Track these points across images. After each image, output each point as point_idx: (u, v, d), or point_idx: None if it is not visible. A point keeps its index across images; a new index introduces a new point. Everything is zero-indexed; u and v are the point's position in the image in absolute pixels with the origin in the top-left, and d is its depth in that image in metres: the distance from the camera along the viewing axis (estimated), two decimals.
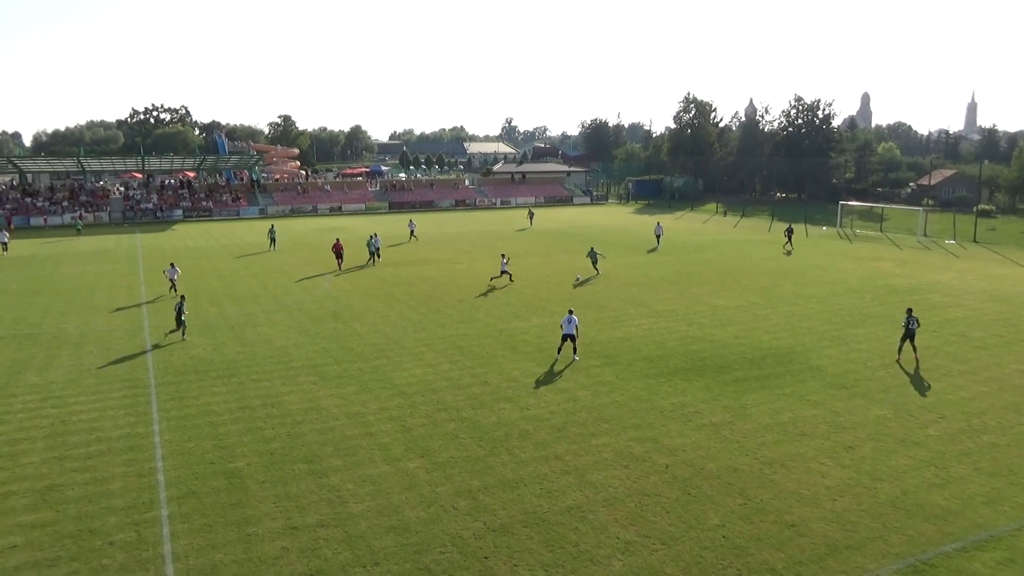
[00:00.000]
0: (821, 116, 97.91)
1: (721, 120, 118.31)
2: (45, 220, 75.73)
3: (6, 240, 53.08)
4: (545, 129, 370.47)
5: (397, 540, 13.28)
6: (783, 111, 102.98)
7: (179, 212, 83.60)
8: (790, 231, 53.46)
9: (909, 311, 23.91)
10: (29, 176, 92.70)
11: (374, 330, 28.68)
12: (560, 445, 17.44)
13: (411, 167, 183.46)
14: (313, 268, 44.34)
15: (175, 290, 35.14)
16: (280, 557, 12.78)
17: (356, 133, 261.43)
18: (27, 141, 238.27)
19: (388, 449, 17.30)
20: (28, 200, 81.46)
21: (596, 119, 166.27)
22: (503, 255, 39.84)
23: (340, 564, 12.55)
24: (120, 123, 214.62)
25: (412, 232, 58.41)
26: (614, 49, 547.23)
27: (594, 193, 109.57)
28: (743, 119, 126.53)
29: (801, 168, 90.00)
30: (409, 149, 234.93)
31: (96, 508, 14.56)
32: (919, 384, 21.68)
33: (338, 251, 43.43)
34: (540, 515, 14.14)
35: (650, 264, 44.91)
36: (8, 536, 13.54)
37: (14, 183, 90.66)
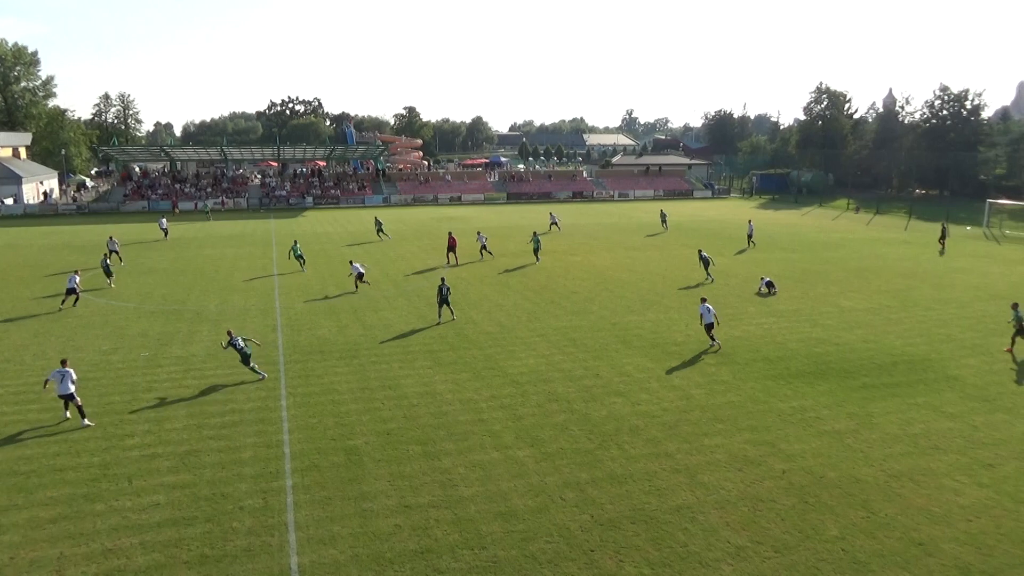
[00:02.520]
0: (969, 107, 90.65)
1: (856, 111, 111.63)
2: (195, 205, 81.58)
3: (166, 227, 57.33)
4: (666, 120, 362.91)
5: (505, 526, 13.50)
6: (926, 102, 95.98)
7: (309, 199, 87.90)
8: (944, 231, 49.80)
9: (1015, 305, 24.13)
10: (178, 164, 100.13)
11: (489, 318, 29.16)
12: (671, 443, 17.15)
13: (530, 158, 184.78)
14: (432, 256, 45.54)
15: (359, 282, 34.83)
16: (393, 533, 13.28)
17: (477, 124, 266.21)
18: (177, 131, 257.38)
19: (499, 436, 17.59)
20: (177, 186, 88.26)
21: (720, 110, 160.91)
22: (479, 232, 46.19)
23: (449, 545, 12.90)
24: (259, 114, 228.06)
25: (554, 222, 58.46)
26: (741, 38, 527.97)
27: (716, 187, 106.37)
28: (880, 110, 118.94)
29: (944, 163, 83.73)
30: (528, 140, 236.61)
31: (228, 474, 15.65)
32: None
33: (452, 245, 43.61)
34: (648, 512, 13.97)
35: (773, 261, 43.17)
36: (153, 494, 14.78)
37: (165, 170, 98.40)
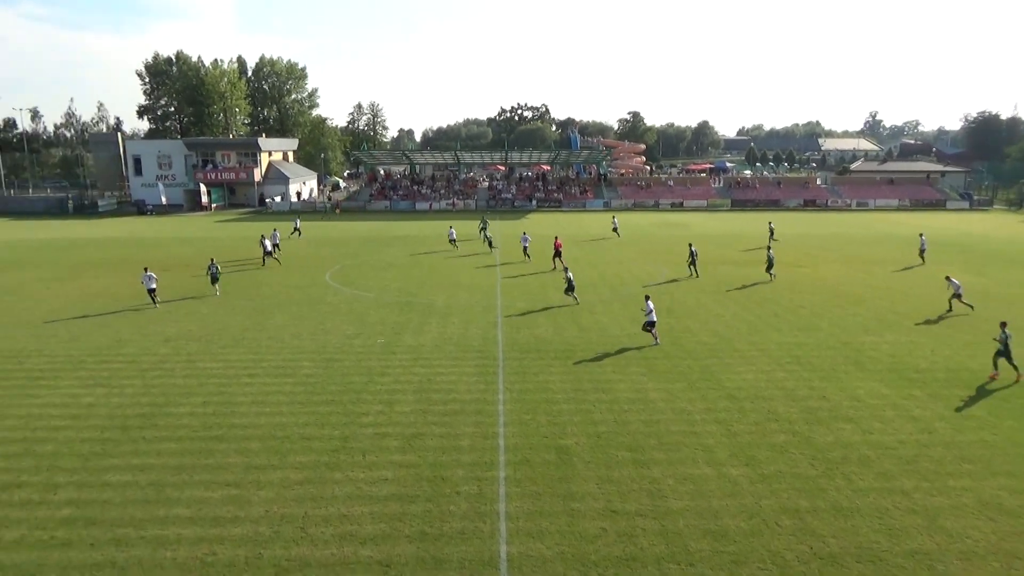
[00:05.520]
0: None
1: None
2: (430, 205, 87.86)
3: (298, 224, 62.04)
4: (916, 124, 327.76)
5: (714, 545, 13.03)
6: None
7: (533, 202, 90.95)
8: None
9: (1003, 325, 21.74)
10: (417, 167, 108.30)
11: (706, 328, 28.30)
12: (908, 479, 15.51)
13: (757, 164, 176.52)
14: (651, 261, 45.10)
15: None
16: (599, 536, 13.34)
17: (703, 129, 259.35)
18: (417, 136, 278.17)
19: (712, 451, 17.01)
20: (415, 187, 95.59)
21: (984, 112, 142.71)
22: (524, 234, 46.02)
23: (655, 556, 12.71)
24: (490, 120, 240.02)
25: (772, 233, 55.66)
26: (1011, 27, 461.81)
27: (974, 197, 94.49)
28: None
29: None
30: (757, 145, 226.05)
31: (448, 459, 16.65)
32: None
33: (557, 249, 42.82)
34: (877, 552, 12.76)
35: None
36: (382, 470, 16.14)
37: (405, 172, 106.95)
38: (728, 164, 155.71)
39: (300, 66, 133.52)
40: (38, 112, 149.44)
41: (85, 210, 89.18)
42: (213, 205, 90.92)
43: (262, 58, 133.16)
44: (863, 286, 36.83)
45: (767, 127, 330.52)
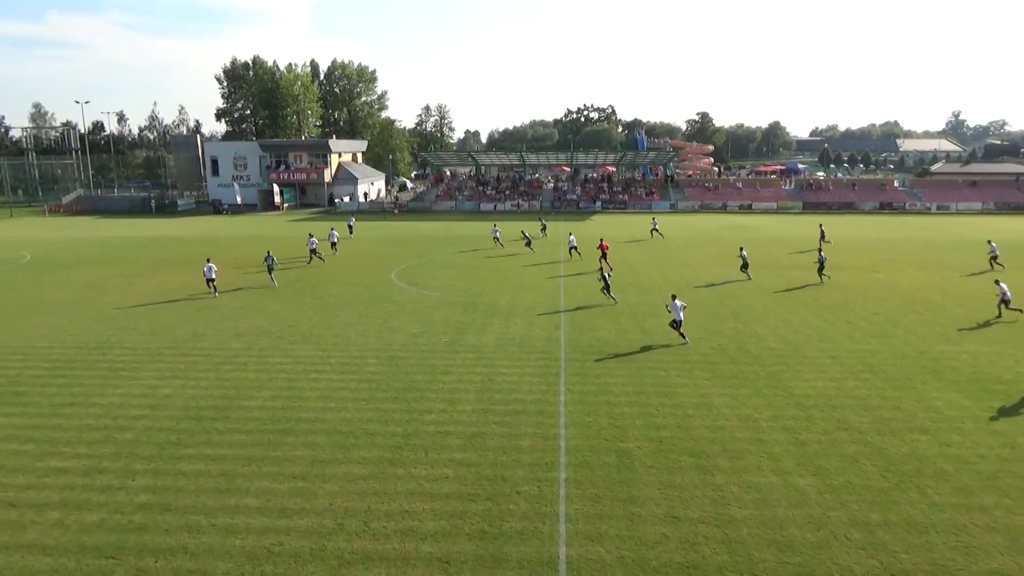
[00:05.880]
0: None
1: None
2: (494, 206, 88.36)
3: (352, 223, 63.08)
4: (1003, 124, 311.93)
5: (779, 556, 12.70)
6: None
7: (598, 204, 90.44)
8: None
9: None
10: (482, 168, 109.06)
11: (774, 334, 27.62)
12: (988, 496, 14.80)
13: (831, 165, 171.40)
14: (717, 264, 44.29)
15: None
16: (660, 543, 13.18)
17: (774, 129, 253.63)
18: (483, 138, 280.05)
19: (778, 460, 16.59)
20: (480, 188, 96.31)
21: None
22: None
23: (717, 565, 12.48)
24: (556, 122, 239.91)
25: (823, 235, 53.94)
26: None
27: None
28: None
29: None
30: (831, 146, 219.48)
31: (508, 459, 16.72)
32: None
33: (603, 251, 42.71)
34: (952, 571, 12.22)
35: None
36: (443, 467, 16.32)
37: (471, 173, 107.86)
38: (800, 165, 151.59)
39: (370, 69, 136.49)
40: (124, 115, 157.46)
41: (166, 209, 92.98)
42: (285, 205, 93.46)
43: (334, 62, 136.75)
44: (942, 293, 35.33)
45: (842, 127, 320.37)
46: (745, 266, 39.61)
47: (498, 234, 53.71)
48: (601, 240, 44.77)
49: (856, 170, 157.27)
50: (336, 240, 50.60)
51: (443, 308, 32.57)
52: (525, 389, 21.48)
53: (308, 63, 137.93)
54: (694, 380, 22.22)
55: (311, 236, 47.54)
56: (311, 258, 45.73)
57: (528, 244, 51.17)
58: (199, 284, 38.08)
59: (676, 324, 26.13)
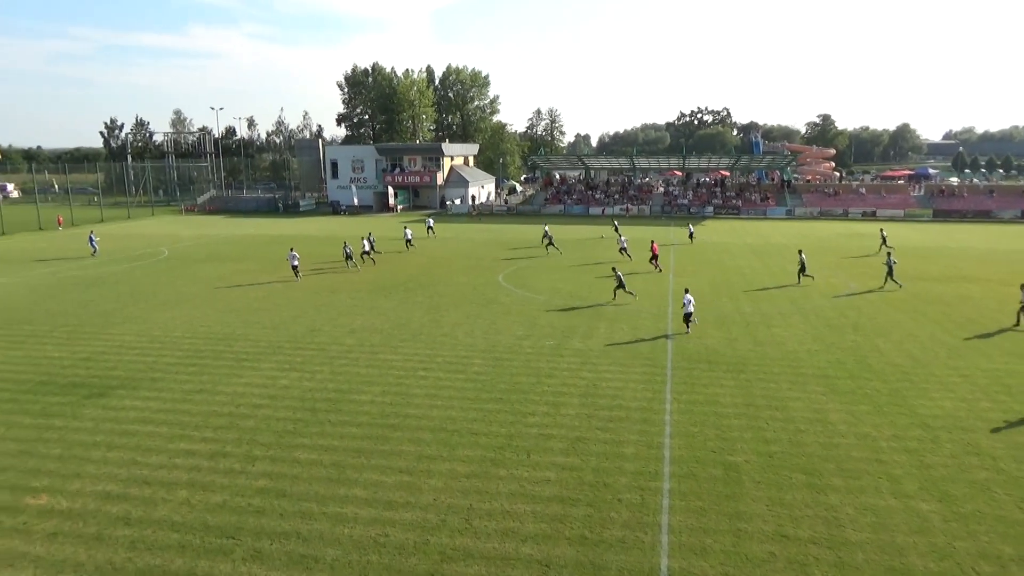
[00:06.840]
0: None
1: None
2: (603, 210, 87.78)
3: (431, 223, 64.54)
4: None
5: None
6: None
7: (710, 209, 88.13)
8: None
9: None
10: (592, 172, 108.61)
11: (898, 349, 26.05)
12: None
13: (966, 170, 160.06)
14: (835, 273, 42.20)
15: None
16: (767, 561, 12.71)
17: (902, 132, 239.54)
18: (594, 142, 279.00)
19: (899, 482, 15.64)
20: (589, 192, 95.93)
21: None
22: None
23: None
24: (668, 125, 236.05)
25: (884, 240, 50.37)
26: None
27: None
28: None
29: None
30: (966, 150, 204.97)
31: (611, 465, 16.57)
32: None
33: (654, 252, 43.74)
34: None
35: None
36: (545, 471, 16.37)
37: (580, 177, 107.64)
38: (931, 171, 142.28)
39: (483, 74, 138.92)
40: (253, 120, 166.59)
41: (289, 210, 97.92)
42: (399, 207, 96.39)
43: (448, 67, 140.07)
44: None
45: (979, 129, 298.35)
46: (802, 270, 38.97)
47: (625, 243, 48.91)
48: (652, 242, 45.22)
49: (995, 175, 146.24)
50: (411, 237, 54.28)
51: (549, 311, 32.66)
52: (629, 396, 21.23)
53: (424, 69, 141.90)
54: (808, 394, 21.29)
55: (406, 228, 51.08)
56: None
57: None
58: (316, 281, 39.75)
59: (686, 317, 28.08)
